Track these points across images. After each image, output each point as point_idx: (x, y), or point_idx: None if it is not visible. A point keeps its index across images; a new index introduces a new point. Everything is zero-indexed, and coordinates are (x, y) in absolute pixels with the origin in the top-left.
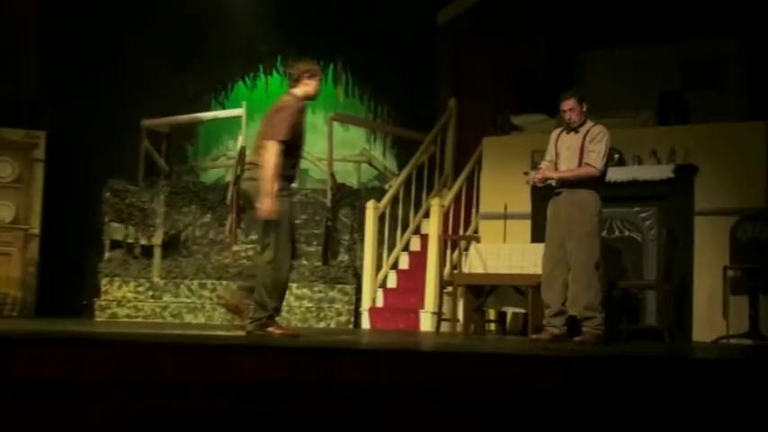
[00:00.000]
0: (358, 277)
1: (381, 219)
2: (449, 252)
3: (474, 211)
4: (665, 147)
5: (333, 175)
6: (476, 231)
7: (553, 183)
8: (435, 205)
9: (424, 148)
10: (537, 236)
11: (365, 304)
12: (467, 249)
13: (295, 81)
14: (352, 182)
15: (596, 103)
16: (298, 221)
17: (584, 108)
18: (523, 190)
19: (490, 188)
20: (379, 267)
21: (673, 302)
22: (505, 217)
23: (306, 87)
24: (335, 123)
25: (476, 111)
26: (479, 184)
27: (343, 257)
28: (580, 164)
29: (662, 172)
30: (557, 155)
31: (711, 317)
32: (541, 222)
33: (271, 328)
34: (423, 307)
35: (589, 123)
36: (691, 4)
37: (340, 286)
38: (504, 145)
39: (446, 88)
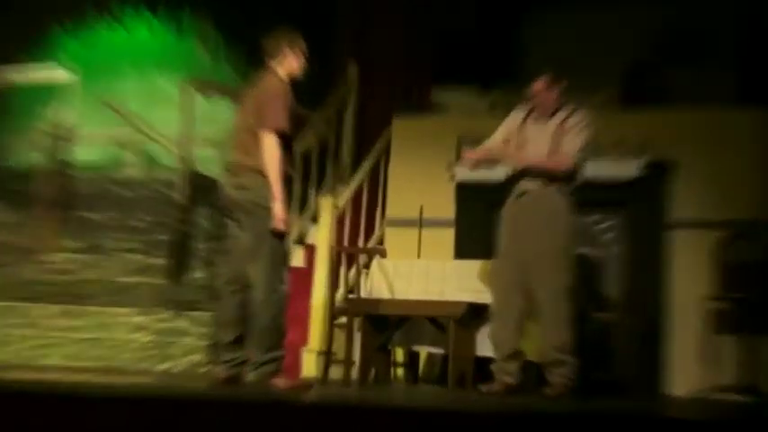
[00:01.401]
0: (217, 301)
1: None
2: (343, 270)
3: (379, 215)
4: (631, 137)
5: (187, 162)
6: (381, 242)
7: (504, 169)
8: (327, 206)
9: (315, 131)
10: (463, 250)
11: None
12: (368, 267)
13: (273, 57)
14: (213, 170)
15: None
16: (141, 223)
17: (557, 90)
18: (446, 189)
19: (401, 185)
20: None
21: (638, 342)
22: (421, 224)
23: (288, 63)
24: (194, 92)
25: (384, 83)
26: (387, 180)
27: (199, 274)
28: (550, 155)
29: (627, 170)
30: (520, 143)
31: (689, 363)
32: (472, 233)
33: (277, 379)
34: (306, 344)
35: (566, 108)
36: None
37: (194, 314)
38: (421, 129)
39: (345, 52)
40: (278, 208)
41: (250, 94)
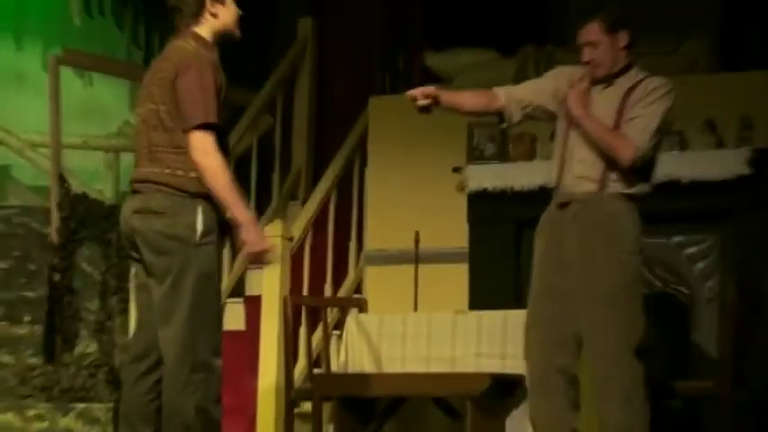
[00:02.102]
0: (118, 387)
1: None
2: (304, 332)
3: (354, 247)
4: (730, 113)
5: (62, 177)
6: (358, 290)
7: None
8: (275, 237)
9: (251, 121)
10: (482, 295)
11: None
12: (341, 326)
13: (194, 15)
14: (103, 190)
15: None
16: None
17: (624, 43)
18: (453, 204)
19: (385, 200)
20: None
21: (750, 428)
22: (417, 260)
23: (215, 20)
24: (68, 71)
25: (354, 44)
26: (363, 193)
27: (88, 347)
28: None
29: (727, 164)
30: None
31: None
32: (495, 269)
33: None
34: None
35: (638, 72)
36: None
37: (82, 407)
38: (412, 111)
39: (297, 7)
40: (251, 233)
41: (158, 70)
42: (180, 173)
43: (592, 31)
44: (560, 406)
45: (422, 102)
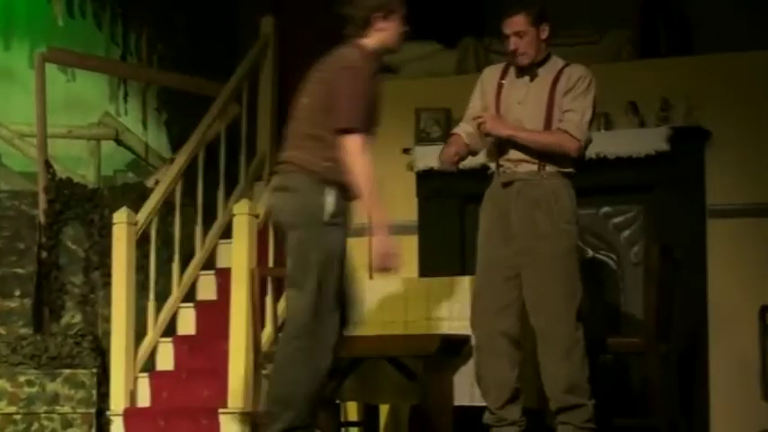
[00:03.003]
0: (102, 354)
1: (142, 243)
2: (270, 301)
3: None
4: (652, 96)
5: (48, 164)
6: None
7: (484, 161)
8: (243, 215)
9: (219, 110)
10: (431, 263)
11: (116, 404)
12: None
13: (362, 27)
14: (86, 175)
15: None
16: None
17: (546, 35)
18: (403, 181)
19: None
20: (141, 333)
21: (675, 377)
22: (372, 233)
23: (381, 34)
24: (53, 68)
25: (311, 39)
26: None
27: (73, 318)
28: (547, 129)
29: (648, 142)
30: (497, 112)
31: (743, 398)
32: (442, 240)
33: None
34: (224, 405)
35: (557, 60)
36: None
37: (68, 372)
38: None
39: (258, 4)
40: (377, 232)
41: (321, 70)
42: (317, 160)
43: (518, 22)
44: (504, 367)
45: (456, 164)
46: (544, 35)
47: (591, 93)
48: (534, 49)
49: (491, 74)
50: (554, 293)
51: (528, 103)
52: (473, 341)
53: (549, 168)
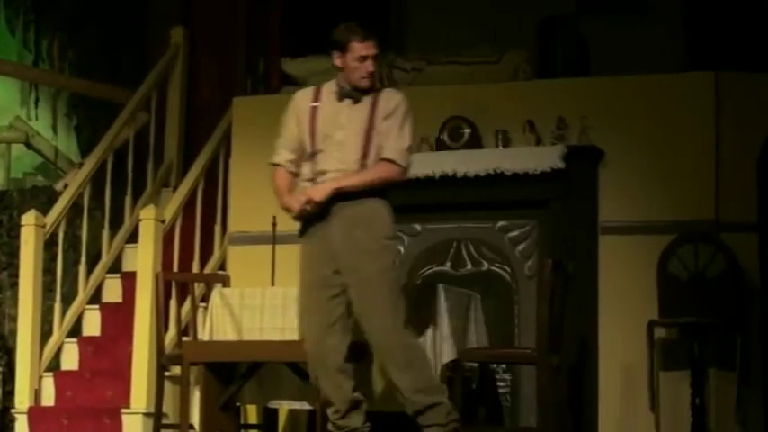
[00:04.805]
0: (8, 353)
1: (50, 245)
2: (174, 305)
3: (219, 230)
4: (548, 115)
5: None
6: (222, 267)
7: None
8: (149, 220)
9: (128, 117)
10: None
11: (21, 402)
12: (206, 299)
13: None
14: None
15: (428, 38)
16: None
17: (376, 54)
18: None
19: (246, 188)
20: (47, 334)
21: (565, 387)
22: (274, 240)
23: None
24: None
25: (220, 50)
26: (227, 182)
27: None
28: (366, 156)
29: (544, 159)
30: (312, 139)
31: (630, 409)
32: None
33: None
34: (128, 404)
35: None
36: None
37: None
38: (271, 111)
39: (167, 10)
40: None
41: None
42: None
43: (375, 45)
44: (339, 381)
45: (310, 210)
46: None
47: (409, 118)
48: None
49: (304, 97)
50: (381, 308)
51: (349, 126)
52: (308, 359)
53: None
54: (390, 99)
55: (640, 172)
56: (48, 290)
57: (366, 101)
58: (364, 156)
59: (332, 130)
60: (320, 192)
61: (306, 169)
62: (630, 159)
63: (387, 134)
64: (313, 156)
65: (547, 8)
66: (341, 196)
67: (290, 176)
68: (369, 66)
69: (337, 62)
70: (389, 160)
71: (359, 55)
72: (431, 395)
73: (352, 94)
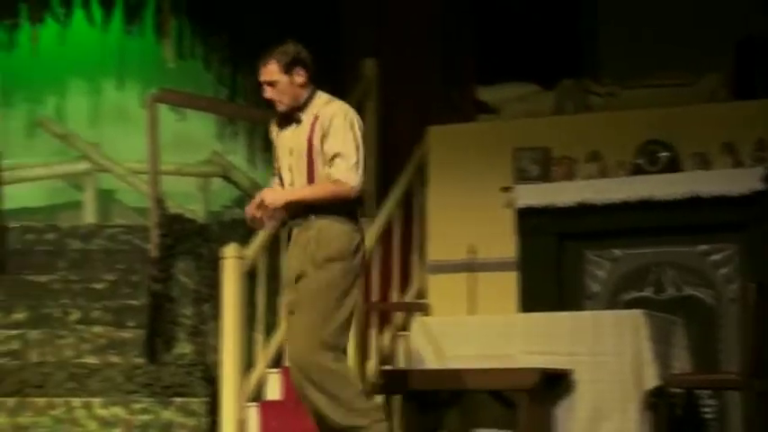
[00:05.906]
0: (212, 383)
1: (251, 276)
2: (374, 333)
3: (416, 259)
4: (747, 136)
5: (160, 201)
6: (421, 295)
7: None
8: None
9: None
10: (531, 298)
11: (227, 431)
12: (406, 328)
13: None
14: (196, 210)
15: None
16: (102, 285)
17: (301, 80)
18: (502, 218)
19: (444, 217)
20: (249, 364)
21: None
22: (473, 268)
23: None
24: (163, 107)
25: (413, 80)
26: (424, 211)
27: (184, 349)
28: (311, 178)
29: (743, 181)
30: (277, 164)
31: None
32: (542, 274)
33: None
34: None
35: (318, 102)
36: None
37: (180, 401)
38: (466, 139)
39: (360, 42)
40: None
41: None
42: None
43: (269, 71)
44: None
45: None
46: (300, 80)
47: (350, 129)
48: (289, 97)
49: (273, 123)
50: (298, 327)
51: (295, 151)
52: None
53: (320, 210)
54: (325, 115)
55: None
56: (249, 321)
57: (307, 121)
58: (310, 181)
59: (283, 156)
60: (273, 196)
61: None
62: None
63: (328, 153)
64: (281, 180)
65: (744, 29)
66: (297, 220)
67: None
68: (265, 92)
69: None
70: (335, 181)
71: (260, 81)
72: (351, 419)
73: (292, 116)
